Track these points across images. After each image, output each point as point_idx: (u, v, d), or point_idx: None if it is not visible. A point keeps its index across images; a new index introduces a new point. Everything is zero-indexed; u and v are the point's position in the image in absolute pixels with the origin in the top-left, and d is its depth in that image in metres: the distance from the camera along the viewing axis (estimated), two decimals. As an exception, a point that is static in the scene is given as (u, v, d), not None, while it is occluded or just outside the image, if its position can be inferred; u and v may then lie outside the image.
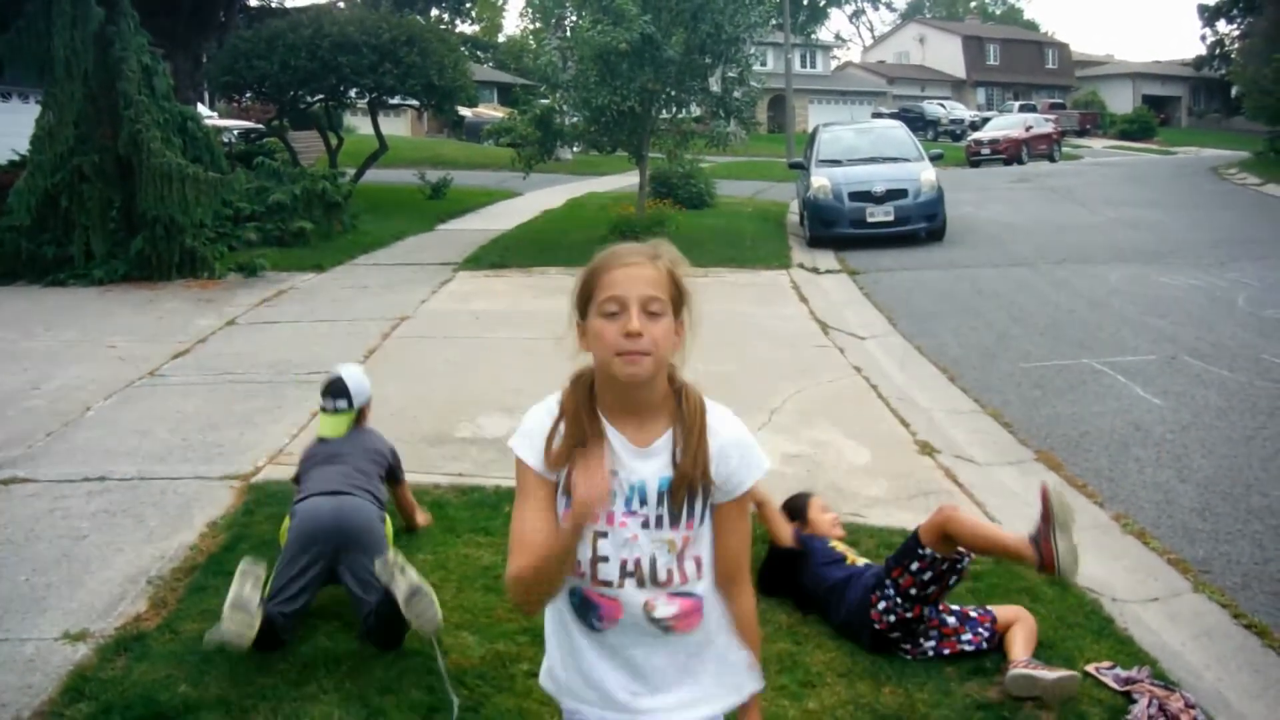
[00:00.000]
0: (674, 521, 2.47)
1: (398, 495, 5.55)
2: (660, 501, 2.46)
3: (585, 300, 2.45)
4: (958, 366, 10.07)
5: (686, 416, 2.47)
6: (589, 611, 2.51)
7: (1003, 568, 5.48)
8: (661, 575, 2.48)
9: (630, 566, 2.47)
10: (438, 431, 7.53)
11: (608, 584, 2.47)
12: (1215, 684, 4.56)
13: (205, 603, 5.02)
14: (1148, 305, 12.62)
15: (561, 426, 2.46)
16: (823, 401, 8.53)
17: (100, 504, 6.35)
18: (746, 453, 2.52)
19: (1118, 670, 4.45)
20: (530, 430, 2.50)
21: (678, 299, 2.44)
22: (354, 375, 5.42)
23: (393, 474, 5.40)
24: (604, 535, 2.45)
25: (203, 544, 5.76)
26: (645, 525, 2.46)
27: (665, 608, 2.49)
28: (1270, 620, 5.12)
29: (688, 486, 2.45)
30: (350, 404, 5.31)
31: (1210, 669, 4.71)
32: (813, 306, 12.97)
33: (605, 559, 2.46)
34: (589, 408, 2.46)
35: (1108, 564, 5.79)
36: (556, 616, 2.62)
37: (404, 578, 4.28)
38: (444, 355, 10.10)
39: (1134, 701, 4.24)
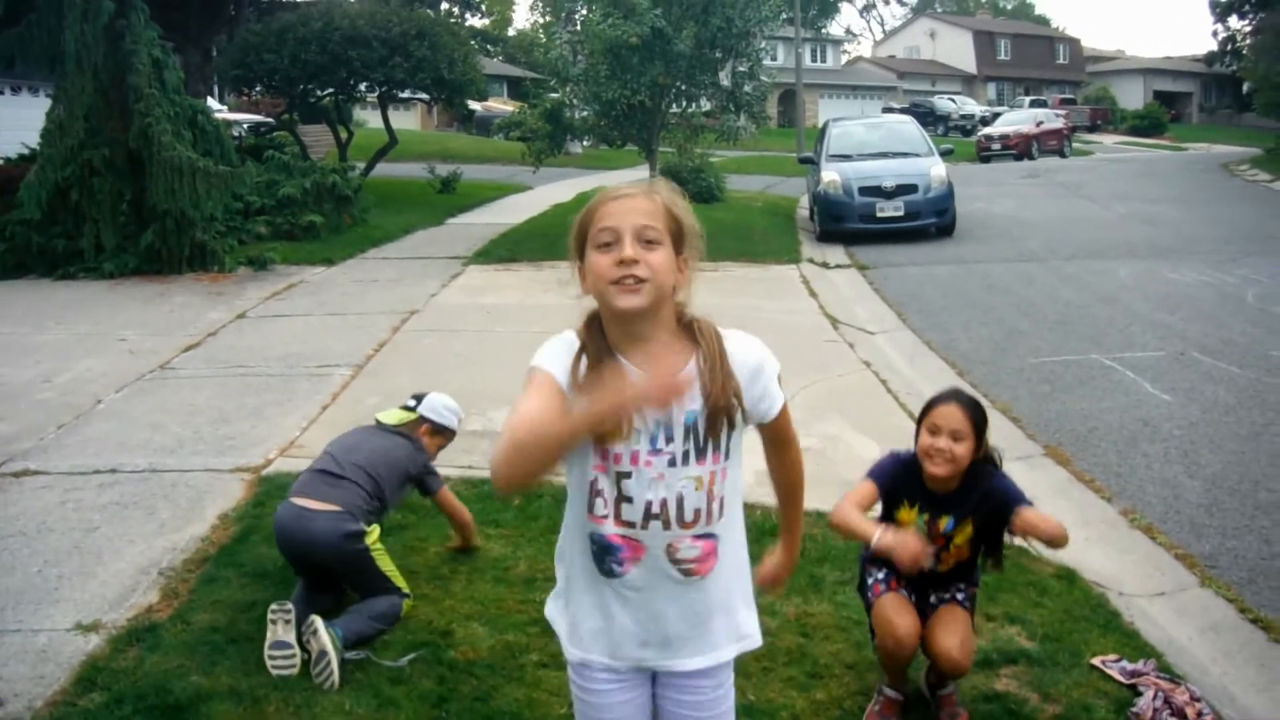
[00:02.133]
0: (700, 456, 2.42)
1: (438, 505, 5.38)
2: (686, 436, 2.41)
3: (582, 241, 2.43)
4: (967, 361, 10.08)
5: (706, 347, 2.42)
6: (609, 554, 2.47)
7: (1010, 563, 5.49)
8: (689, 514, 2.44)
9: (656, 507, 2.42)
10: (447, 424, 7.55)
11: (631, 525, 2.44)
12: (1221, 678, 4.58)
13: (216, 594, 5.05)
14: (1157, 301, 12.61)
15: (584, 360, 2.42)
16: (832, 396, 8.55)
17: (112, 496, 6.39)
18: (767, 367, 2.50)
19: (1124, 663, 4.47)
20: (551, 354, 2.44)
21: (677, 233, 2.41)
22: (438, 396, 5.44)
23: (421, 485, 5.26)
24: (628, 476, 2.40)
25: (214, 536, 5.79)
26: (671, 463, 2.41)
27: (688, 549, 2.47)
28: (1276, 615, 5.12)
29: (722, 416, 2.41)
30: (415, 406, 5.35)
31: (1216, 663, 4.72)
32: (822, 301, 12.98)
33: (629, 499, 2.42)
34: (604, 345, 2.42)
35: (1115, 558, 5.81)
36: (569, 563, 2.58)
37: (316, 641, 4.31)
38: (453, 349, 10.12)
39: (1140, 694, 4.25)
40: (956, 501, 3.95)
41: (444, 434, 5.39)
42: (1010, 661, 4.50)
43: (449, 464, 6.38)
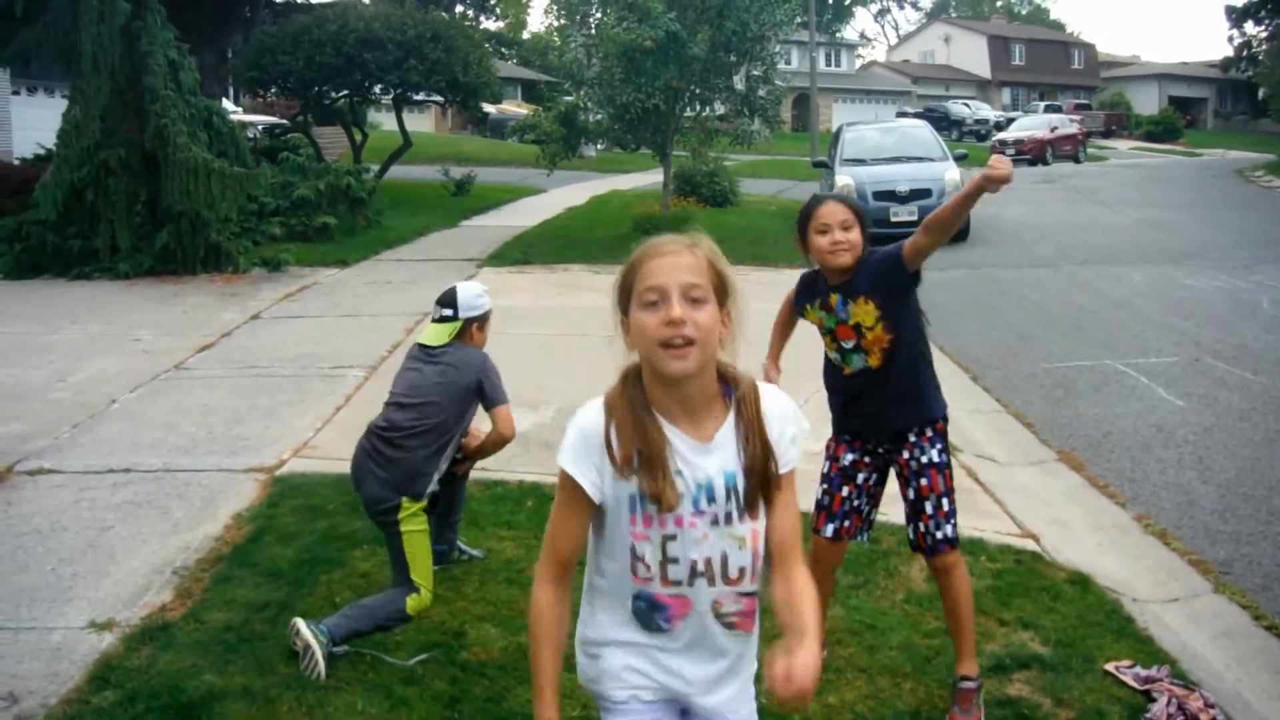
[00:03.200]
0: (742, 516, 2.41)
1: (491, 418, 5.06)
2: (729, 497, 2.39)
3: (626, 295, 2.39)
4: (980, 366, 10.07)
5: (746, 408, 2.41)
6: (656, 613, 2.46)
7: (1024, 568, 5.49)
8: (733, 572, 2.43)
9: (701, 566, 2.41)
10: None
11: (677, 584, 2.42)
12: (1235, 684, 4.56)
13: (230, 593, 5.07)
14: (1171, 307, 12.58)
15: (614, 430, 2.38)
16: (844, 400, 8.54)
17: (126, 495, 6.41)
18: (792, 429, 2.49)
19: (1138, 669, 4.46)
20: (579, 441, 2.41)
21: (720, 288, 2.37)
22: (468, 288, 5.20)
23: (483, 397, 5.00)
24: (673, 538, 2.39)
25: (227, 535, 5.80)
26: (715, 523, 2.39)
27: (733, 604, 2.46)
28: (1291, 622, 5.12)
29: (759, 482, 2.40)
30: (455, 314, 5.07)
31: (1230, 669, 4.71)
32: (835, 305, 12.93)
33: (675, 560, 2.40)
34: (644, 406, 2.38)
35: (1129, 564, 5.79)
36: (610, 614, 2.53)
37: (299, 639, 4.38)
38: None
39: (1153, 700, 4.24)
40: (846, 287, 4.12)
41: (487, 319, 5.22)
42: (1023, 667, 4.49)
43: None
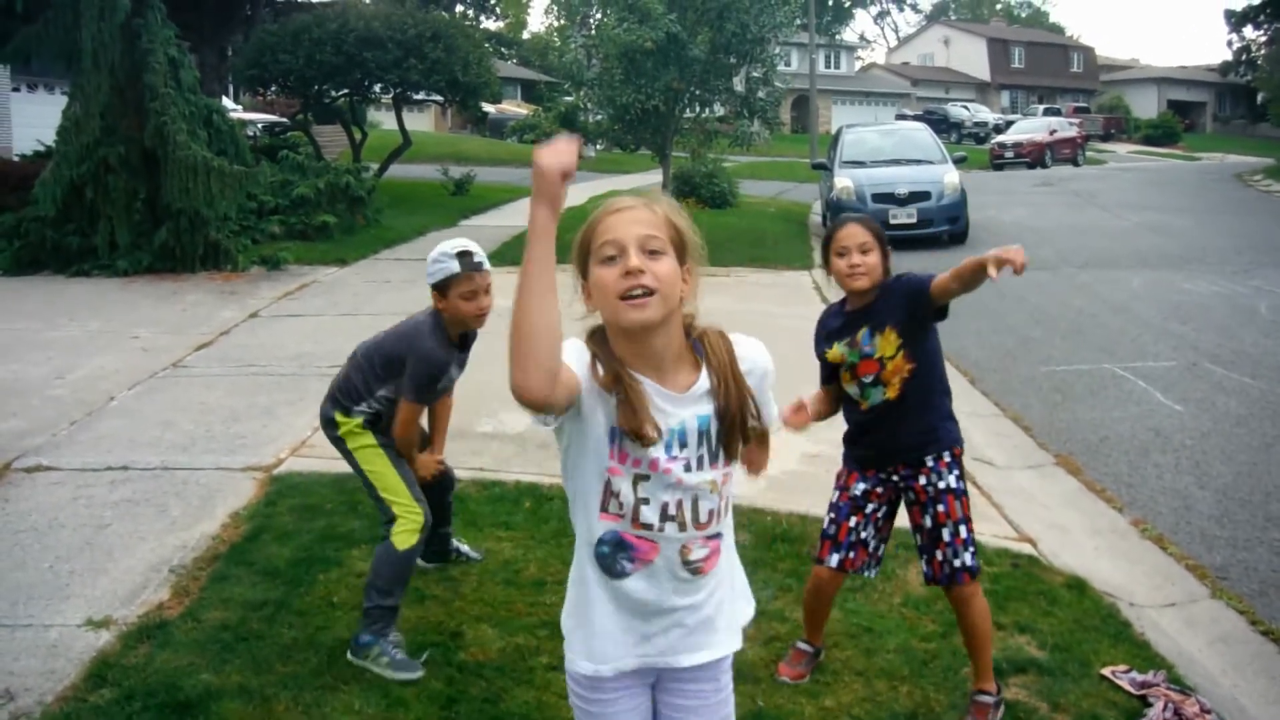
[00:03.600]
0: (714, 460, 2.44)
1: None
2: (700, 442, 2.42)
3: (584, 257, 2.40)
4: (978, 369, 10.08)
5: (715, 360, 2.43)
6: (621, 553, 2.46)
7: (1021, 571, 5.50)
8: (703, 517, 2.46)
9: (672, 509, 2.43)
10: (458, 426, 7.51)
11: (647, 526, 2.43)
12: (1231, 690, 4.57)
13: (227, 592, 5.07)
14: (1169, 311, 12.59)
15: (599, 361, 2.38)
16: (842, 402, 8.54)
17: (123, 493, 6.41)
18: (771, 377, 2.55)
19: (1134, 674, 4.46)
20: (571, 347, 2.37)
21: (679, 244, 2.38)
22: (436, 249, 4.52)
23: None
24: (645, 478, 2.40)
25: (225, 534, 5.80)
26: (687, 468, 2.42)
27: (699, 549, 2.48)
28: (1288, 627, 5.13)
29: (737, 426, 2.43)
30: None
31: (1226, 675, 4.71)
32: (834, 307, 12.94)
33: (646, 501, 2.42)
34: (612, 359, 2.38)
35: (1126, 569, 5.80)
36: (580, 571, 2.55)
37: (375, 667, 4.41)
38: (465, 350, 10.13)
39: (1150, 705, 4.24)
40: (871, 315, 4.11)
41: (450, 285, 4.39)
42: (1020, 671, 4.49)
43: (460, 465, 6.39)
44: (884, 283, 4.08)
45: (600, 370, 2.37)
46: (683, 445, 2.41)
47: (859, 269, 4.02)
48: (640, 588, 2.48)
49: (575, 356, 2.36)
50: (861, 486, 4.24)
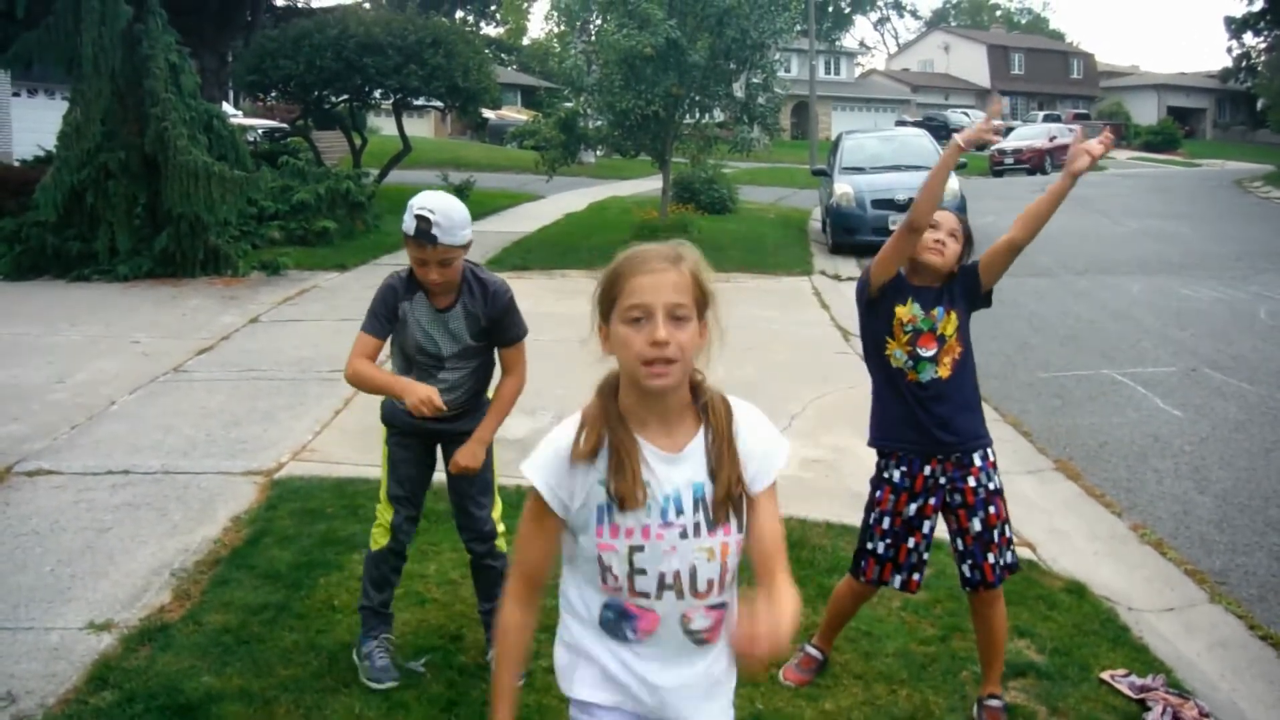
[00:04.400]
0: (711, 528, 2.41)
1: None
2: (696, 509, 2.40)
3: (607, 304, 2.40)
4: (978, 375, 10.07)
5: (715, 425, 2.42)
6: (624, 623, 2.46)
7: (1021, 576, 5.50)
8: (701, 586, 2.43)
9: (669, 579, 2.41)
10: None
11: (645, 595, 2.42)
12: (1230, 694, 4.57)
13: (228, 596, 5.07)
14: (1169, 317, 12.61)
15: (583, 435, 2.40)
16: (843, 408, 8.54)
17: (124, 497, 6.42)
18: (770, 450, 2.49)
19: (1133, 678, 4.47)
20: (548, 452, 2.43)
21: (701, 301, 2.39)
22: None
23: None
24: (640, 550, 2.39)
25: (225, 538, 5.81)
26: (683, 535, 2.40)
27: (701, 619, 2.45)
28: (1287, 632, 5.14)
29: (728, 490, 2.41)
30: None
31: (1225, 679, 4.72)
32: (834, 313, 12.97)
33: (643, 572, 2.40)
34: (618, 416, 2.40)
35: (1125, 573, 5.80)
36: (579, 619, 2.53)
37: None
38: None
39: (1148, 709, 4.25)
40: (944, 294, 4.14)
41: (415, 240, 4.08)
42: (1019, 674, 4.50)
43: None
44: (950, 271, 4.13)
45: (582, 442, 2.39)
46: (679, 511, 2.40)
47: (942, 245, 4.06)
48: (645, 654, 2.48)
49: (551, 463, 2.44)
50: (914, 506, 4.15)
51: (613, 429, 2.39)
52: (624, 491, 2.35)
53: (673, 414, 2.42)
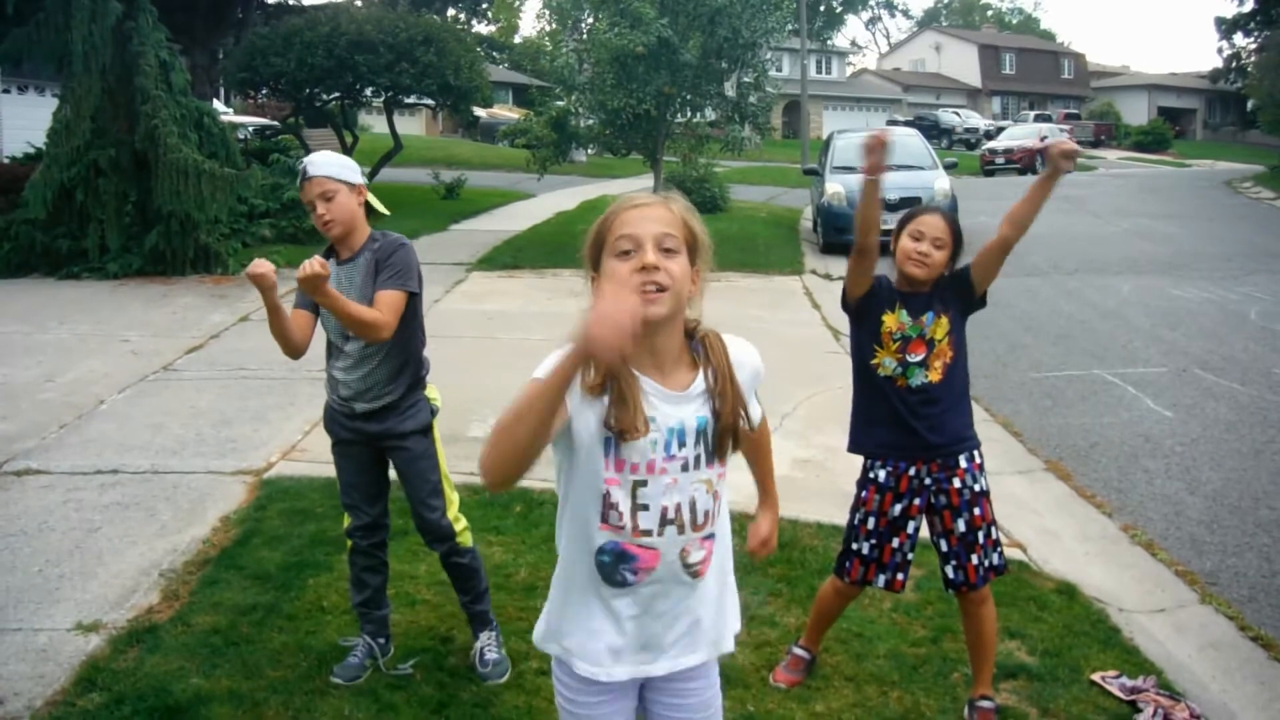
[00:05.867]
0: (710, 460, 2.45)
1: None
2: (698, 441, 2.43)
3: (598, 249, 2.42)
4: (969, 375, 10.07)
5: (715, 360, 2.45)
6: (623, 563, 2.46)
7: (1011, 577, 5.49)
8: (700, 517, 2.47)
9: (671, 513, 2.44)
10: (450, 430, 7.49)
11: (647, 533, 2.44)
12: (1221, 695, 4.58)
13: (217, 596, 5.06)
14: (1160, 317, 12.63)
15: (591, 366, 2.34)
16: (834, 408, 8.52)
17: (113, 497, 6.40)
18: (759, 378, 2.59)
19: (1124, 679, 4.47)
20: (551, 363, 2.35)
21: (692, 244, 2.41)
22: None
23: None
24: (643, 484, 2.41)
25: (215, 538, 5.80)
26: (684, 468, 2.43)
27: (697, 551, 2.49)
28: (1276, 633, 5.13)
29: (730, 431, 2.45)
30: None
31: (1216, 680, 4.72)
32: (825, 313, 12.98)
33: (645, 507, 2.42)
34: None
35: (1116, 574, 5.81)
36: (568, 579, 2.55)
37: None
38: (456, 355, 10.11)
39: (1139, 710, 4.25)
40: (933, 298, 4.10)
41: (300, 186, 4.21)
42: (1010, 676, 4.49)
43: (451, 470, 6.40)
44: (935, 278, 4.08)
45: (590, 374, 2.35)
46: (681, 444, 2.42)
47: (925, 259, 4.02)
48: (641, 595, 2.49)
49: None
50: (899, 506, 4.14)
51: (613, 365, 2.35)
52: (625, 423, 2.35)
53: (669, 356, 2.43)
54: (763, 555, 2.98)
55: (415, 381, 4.39)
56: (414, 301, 4.22)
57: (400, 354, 4.29)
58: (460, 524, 4.46)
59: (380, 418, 4.29)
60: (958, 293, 4.08)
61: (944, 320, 4.06)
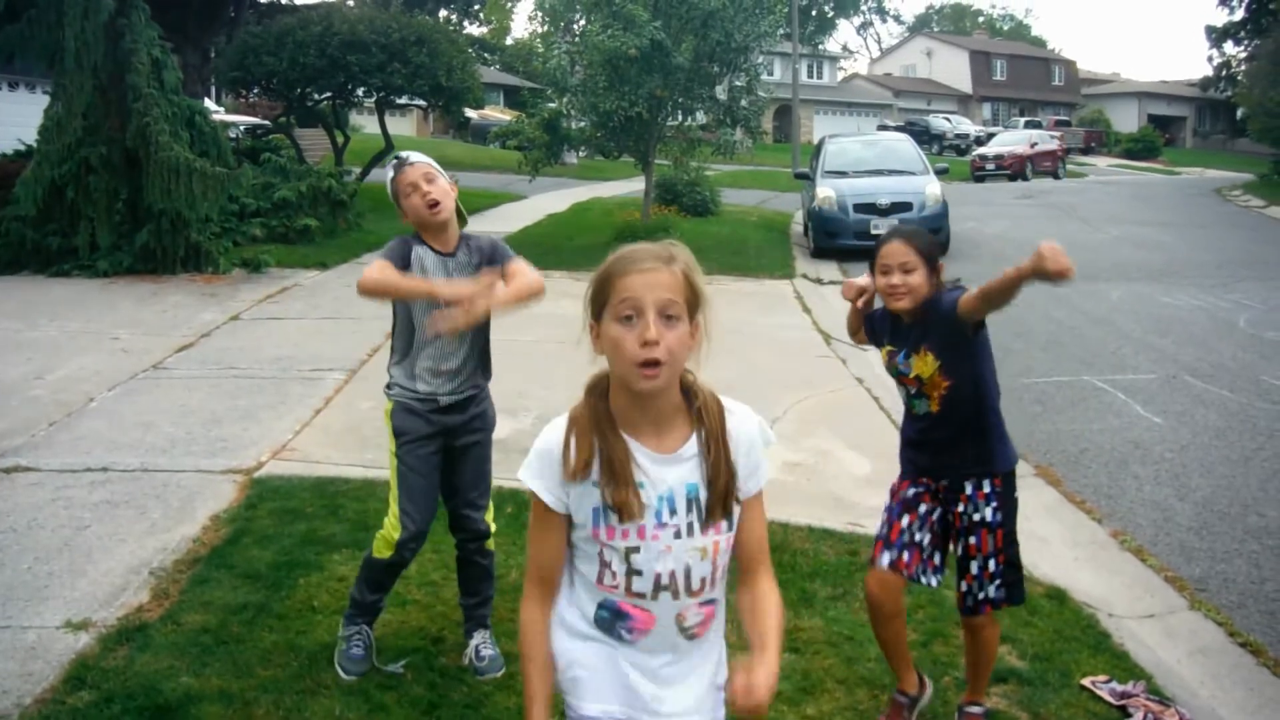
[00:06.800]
0: (704, 528, 2.44)
1: None
2: (690, 509, 2.43)
3: (599, 303, 2.40)
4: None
5: (709, 425, 2.44)
6: (620, 621, 2.49)
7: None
8: (695, 584, 2.46)
9: (665, 579, 2.44)
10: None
11: (641, 595, 2.45)
12: (1210, 700, 4.59)
13: (207, 595, 5.04)
14: (1150, 324, 12.65)
15: (574, 440, 2.41)
16: (824, 411, 8.55)
17: (103, 495, 6.38)
18: (760, 460, 2.52)
19: (1114, 684, 4.48)
20: (536, 459, 2.46)
21: (693, 302, 2.39)
22: None
23: None
24: (636, 550, 2.42)
25: (205, 537, 5.78)
26: (677, 535, 2.42)
27: (694, 616, 2.50)
28: (1265, 638, 5.15)
29: (720, 498, 2.43)
30: None
31: (1205, 685, 4.73)
32: (815, 317, 12.99)
33: (639, 573, 2.43)
34: (608, 418, 2.42)
35: (1105, 580, 5.82)
36: (573, 617, 2.56)
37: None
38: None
39: (1129, 715, 4.27)
40: (910, 336, 4.07)
41: (395, 195, 4.30)
42: (1000, 680, 4.50)
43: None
44: (929, 299, 3.98)
45: (573, 457, 2.41)
46: (672, 512, 2.42)
47: (900, 289, 3.93)
48: (639, 653, 2.51)
49: (543, 468, 2.46)
50: (913, 490, 4.12)
51: (602, 434, 2.40)
52: (620, 502, 2.38)
53: (664, 415, 2.43)
54: (743, 707, 2.34)
55: (489, 374, 4.46)
56: None
57: (481, 341, 4.41)
58: (493, 527, 4.52)
59: (463, 408, 4.32)
60: (950, 326, 3.97)
61: (928, 357, 4.00)
